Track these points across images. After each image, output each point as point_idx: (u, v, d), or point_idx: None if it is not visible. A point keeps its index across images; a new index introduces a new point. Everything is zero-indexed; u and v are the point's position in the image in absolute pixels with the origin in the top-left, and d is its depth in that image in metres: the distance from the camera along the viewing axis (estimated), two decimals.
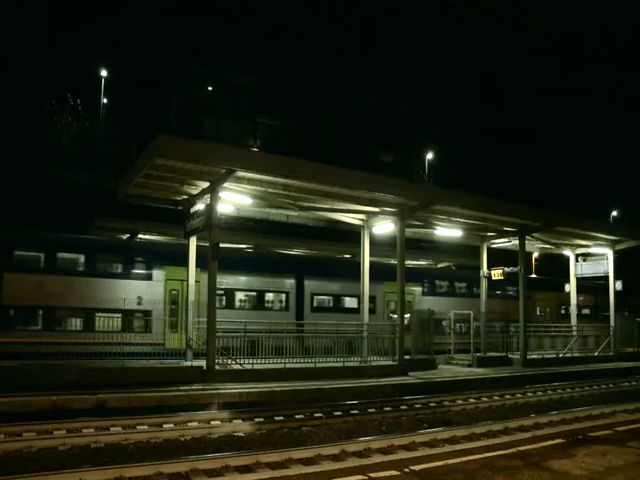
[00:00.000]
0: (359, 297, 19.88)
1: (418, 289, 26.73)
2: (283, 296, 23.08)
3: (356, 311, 22.36)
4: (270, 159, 15.87)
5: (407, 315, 24.41)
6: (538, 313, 31.41)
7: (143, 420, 11.19)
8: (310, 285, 23.75)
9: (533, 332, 23.44)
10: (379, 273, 21.73)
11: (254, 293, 22.52)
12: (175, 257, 20.06)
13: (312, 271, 24.16)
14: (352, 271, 21.70)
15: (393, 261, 20.81)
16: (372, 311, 23.84)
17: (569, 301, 27.95)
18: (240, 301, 22.24)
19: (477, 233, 23.03)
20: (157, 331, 18.30)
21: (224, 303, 21.41)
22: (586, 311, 33.44)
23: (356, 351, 18.03)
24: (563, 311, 31.86)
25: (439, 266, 33.86)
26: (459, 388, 16.61)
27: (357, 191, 16.69)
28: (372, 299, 24.12)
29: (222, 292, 21.30)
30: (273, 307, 22.92)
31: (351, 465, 8.11)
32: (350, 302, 24.47)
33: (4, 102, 33.80)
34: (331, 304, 24.53)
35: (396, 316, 24.35)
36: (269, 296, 22.91)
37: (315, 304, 23.87)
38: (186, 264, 17.79)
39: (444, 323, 22.99)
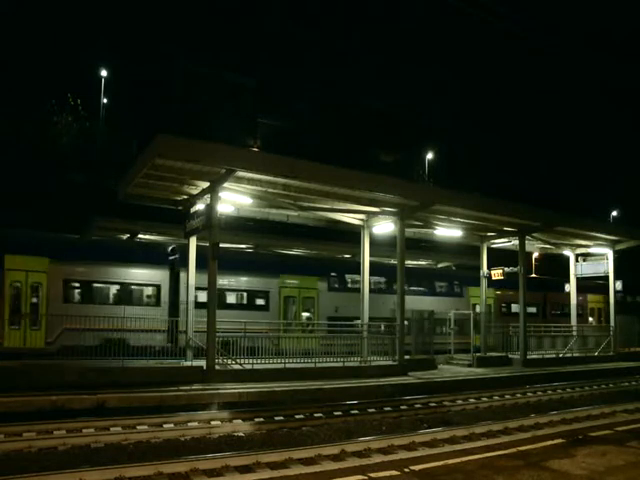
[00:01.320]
0: (250, 292, 18.42)
1: (323, 284, 23.73)
2: (153, 289, 20.46)
3: (246, 307, 20.80)
4: (270, 159, 15.86)
5: (308, 314, 22.97)
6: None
7: (143, 420, 11.18)
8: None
9: (533, 332, 23.45)
10: (275, 265, 19.86)
11: (117, 286, 20.02)
12: (21, 245, 18.41)
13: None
14: (244, 263, 19.81)
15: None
16: (264, 308, 21.76)
17: (512, 299, 26.99)
18: (102, 295, 19.80)
19: (477, 233, 23.03)
20: None
21: (79, 297, 19.31)
22: (532, 309, 30.50)
23: (235, 352, 16.07)
24: (505, 309, 29.84)
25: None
26: (459, 388, 16.61)
27: (357, 191, 16.69)
28: (264, 295, 21.97)
29: (78, 285, 19.31)
30: (141, 302, 20.30)
31: (351, 465, 8.11)
32: (240, 298, 21.85)
33: (4, 102, 33.82)
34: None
35: (305, 314, 22.80)
36: (135, 289, 20.28)
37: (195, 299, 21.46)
38: (37, 253, 17.20)
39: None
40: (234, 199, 16.31)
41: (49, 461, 8.55)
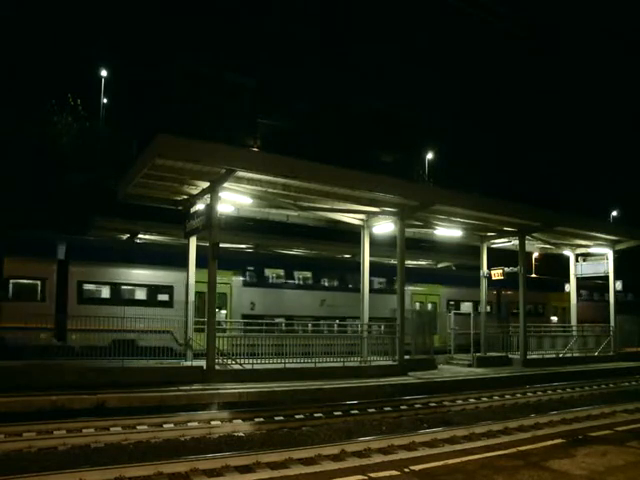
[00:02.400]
0: (151, 287, 17.59)
1: (238, 278, 22.10)
2: (37, 284, 19.07)
3: (145, 303, 19.52)
4: (270, 159, 15.87)
5: (224, 312, 21.52)
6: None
7: (143, 420, 11.18)
8: (77, 271, 19.47)
9: (533, 332, 23.45)
10: (181, 257, 18.45)
11: None
12: None
13: (81, 254, 19.90)
14: (142, 255, 18.78)
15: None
16: (167, 304, 20.28)
17: (461, 297, 26.32)
18: None
19: (477, 233, 23.03)
20: None
21: None
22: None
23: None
24: (453, 308, 27.42)
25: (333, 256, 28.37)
26: (459, 388, 16.60)
27: (357, 191, 16.69)
28: (168, 289, 20.43)
29: None
30: (22, 297, 18.70)
31: (351, 465, 8.11)
32: (138, 293, 20.45)
33: (4, 102, 33.82)
34: (109, 295, 19.99)
35: (224, 312, 21.41)
36: (15, 283, 18.83)
37: (85, 295, 19.63)
38: None
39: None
40: (234, 199, 16.31)
41: (49, 461, 8.54)
